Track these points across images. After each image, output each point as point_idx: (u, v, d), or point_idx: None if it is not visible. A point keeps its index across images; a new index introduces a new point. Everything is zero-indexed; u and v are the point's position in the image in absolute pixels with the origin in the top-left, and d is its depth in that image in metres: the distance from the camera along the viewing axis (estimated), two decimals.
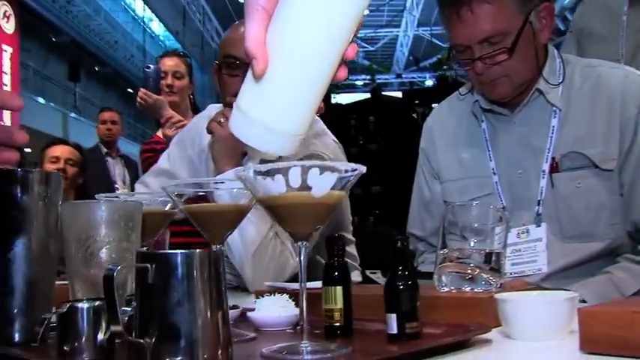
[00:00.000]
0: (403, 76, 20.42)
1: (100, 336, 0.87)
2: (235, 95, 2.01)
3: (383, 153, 6.22)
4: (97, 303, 0.87)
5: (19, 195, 1.04)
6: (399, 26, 19.66)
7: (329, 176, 0.85)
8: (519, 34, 1.65)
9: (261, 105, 0.81)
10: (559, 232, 1.72)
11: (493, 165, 1.82)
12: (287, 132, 0.81)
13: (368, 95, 6.90)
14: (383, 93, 6.59)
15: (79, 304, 0.87)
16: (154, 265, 0.75)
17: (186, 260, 0.76)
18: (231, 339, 0.79)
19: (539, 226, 1.75)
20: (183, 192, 1.10)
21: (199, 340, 0.75)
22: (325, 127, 2.22)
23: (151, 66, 3.42)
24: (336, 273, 1.06)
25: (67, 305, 0.86)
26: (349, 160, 5.79)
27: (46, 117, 13.35)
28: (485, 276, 1.19)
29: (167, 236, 1.56)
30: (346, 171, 0.86)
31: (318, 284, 1.09)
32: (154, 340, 0.74)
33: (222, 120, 1.94)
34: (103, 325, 0.87)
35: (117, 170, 5.35)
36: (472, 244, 1.25)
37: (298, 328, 0.97)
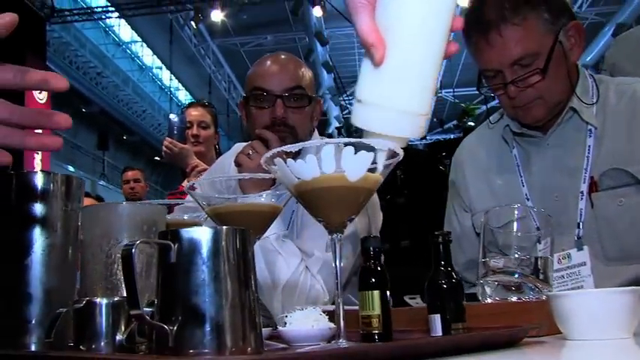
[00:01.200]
0: (428, 137, 20.45)
1: (119, 336, 0.80)
2: (265, 127, 1.97)
3: (411, 207, 6.12)
4: (116, 299, 0.81)
5: (39, 199, 0.99)
6: None
7: (364, 156, 0.79)
8: (550, 54, 1.61)
9: (388, 90, 0.81)
10: (602, 254, 1.64)
11: (526, 190, 1.75)
12: (416, 112, 0.81)
13: None
14: (409, 145, 6.52)
15: (98, 300, 0.80)
16: (177, 243, 0.69)
17: (213, 237, 0.70)
18: (260, 323, 0.72)
19: (581, 249, 1.66)
20: (210, 198, 1.05)
21: (226, 324, 0.68)
22: None
23: (176, 115, 3.42)
24: (373, 276, 0.99)
25: (85, 300, 0.80)
26: None
27: None
28: (532, 285, 1.10)
29: None
30: (383, 150, 0.80)
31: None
32: (177, 325, 0.67)
33: (250, 152, 1.91)
34: (123, 323, 0.80)
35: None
36: (517, 255, 1.17)
37: (333, 342, 0.89)
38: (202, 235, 0.70)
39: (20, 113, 0.86)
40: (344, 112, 20.42)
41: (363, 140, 0.79)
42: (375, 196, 2.11)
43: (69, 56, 14.68)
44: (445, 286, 0.90)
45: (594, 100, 1.71)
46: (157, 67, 18.61)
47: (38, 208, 0.99)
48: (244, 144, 2.23)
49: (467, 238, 1.87)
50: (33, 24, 10.35)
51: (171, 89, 18.50)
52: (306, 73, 2.07)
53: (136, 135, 18.13)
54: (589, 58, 15.09)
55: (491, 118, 1.91)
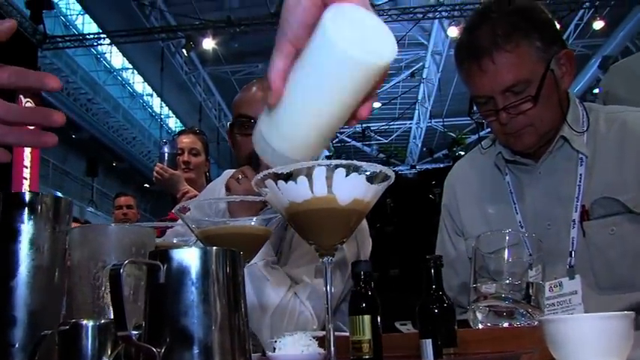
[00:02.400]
0: (417, 167, 20.51)
1: (106, 358, 0.78)
2: (248, 155, 1.98)
3: (400, 235, 6.13)
4: (103, 321, 0.79)
5: (25, 219, 0.97)
6: (411, 118, 19.91)
7: (356, 179, 0.79)
8: (542, 82, 1.61)
9: (270, 128, 0.89)
10: (594, 283, 1.63)
11: (520, 218, 1.75)
12: (289, 157, 0.86)
13: None
14: (399, 174, 6.57)
15: (84, 322, 0.79)
16: (166, 264, 0.68)
17: (202, 258, 0.69)
18: (250, 349, 0.70)
19: (572, 278, 1.65)
20: (199, 221, 1.04)
21: (215, 346, 0.67)
22: None
23: (168, 142, 3.43)
24: (364, 301, 0.98)
25: (70, 323, 0.78)
26: None
27: None
28: (524, 310, 1.09)
29: None
30: (374, 172, 0.80)
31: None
32: (165, 346, 0.66)
33: (240, 177, 1.91)
34: (110, 345, 0.78)
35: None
36: (508, 281, 1.16)
37: None
38: (192, 255, 0.69)
39: (16, 111, 0.86)
40: (334, 141, 20.55)
41: (355, 163, 0.78)
42: (364, 223, 2.10)
43: (60, 82, 14.69)
44: (437, 310, 0.89)
45: (585, 128, 1.72)
46: (147, 95, 18.64)
47: (25, 229, 0.97)
48: (234, 170, 2.23)
49: (461, 262, 1.86)
50: (25, 50, 10.36)
51: (162, 116, 18.49)
52: None
53: (126, 162, 18.07)
54: (576, 89, 15.28)
55: (482, 143, 1.92)
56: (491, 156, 1.85)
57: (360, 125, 19.65)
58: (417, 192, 6.25)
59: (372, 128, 20.05)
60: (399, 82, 17.36)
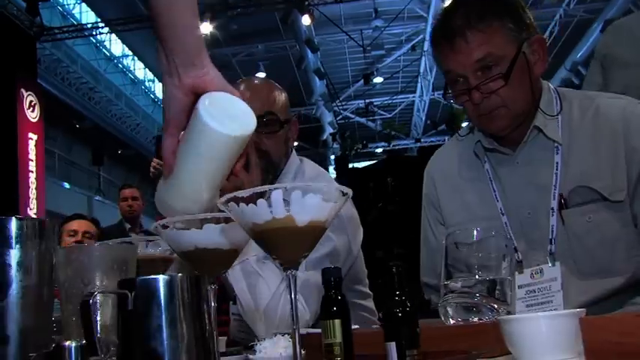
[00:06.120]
0: (422, 140, 20.49)
1: None
2: None
3: (403, 213, 6.18)
4: (84, 341, 0.85)
5: (12, 243, 1.03)
6: (414, 92, 19.84)
7: (312, 200, 0.84)
8: (514, 62, 1.65)
9: (167, 194, 1.15)
10: (575, 269, 1.66)
11: (500, 205, 1.78)
12: (183, 210, 1.12)
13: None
14: (399, 154, 6.62)
15: (67, 343, 0.85)
16: (133, 292, 0.74)
17: (167, 285, 0.75)
18: None
19: (553, 265, 1.69)
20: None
21: None
22: (334, 181, 2.21)
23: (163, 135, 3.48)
24: (334, 306, 1.03)
25: (54, 344, 0.85)
26: (370, 223, 5.71)
27: (71, 201, 13.56)
28: (490, 305, 1.15)
29: None
30: (329, 193, 0.85)
31: None
32: None
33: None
34: None
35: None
36: (477, 277, 1.22)
37: None
38: (157, 283, 0.75)
39: None
40: (337, 118, 20.48)
41: (310, 185, 0.84)
42: (354, 212, 2.15)
43: (60, 73, 14.73)
44: (400, 314, 0.95)
45: (556, 113, 1.74)
46: (149, 80, 18.67)
47: (13, 254, 1.03)
48: None
49: (443, 251, 1.91)
50: (23, 43, 10.38)
51: None
52: (279, 96, 2.12)
53: (131, 149, 18.15)
54: (579, 54, 15.17)
55: (460, 131, 1.95)
56: (470, 145, 1.87)
57: (363, 100, 19.62)
58: (418, 169, 6.28)
59: (375, 103, 20.01)
60: (400, 56, 17.29)
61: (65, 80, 14.91)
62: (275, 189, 0.82)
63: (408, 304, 0.96)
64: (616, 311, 1.62)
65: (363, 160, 17.94)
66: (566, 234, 1.67)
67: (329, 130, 20.08)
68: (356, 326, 1.46)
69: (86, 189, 16.46)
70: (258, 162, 1.96)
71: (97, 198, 16.33)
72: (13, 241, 1.03)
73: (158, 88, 18.46)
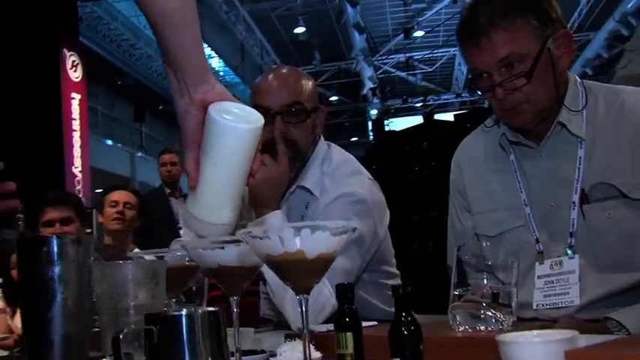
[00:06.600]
0: (463, 95, 20.23)
1: None
2: (264, 144, 2.11)
3: (439, 178, 6.18)
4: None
5: (55, 260, 1.15)
6: (455, 46, 19.50)
7: (320, 235, 0.92)
8: (537, 59, 1.67)
9: (195, 207, 1.22)
10: (594, 262, 1.70)
11: (524, 196, 1.81)
12: (213, 223, 1.21)
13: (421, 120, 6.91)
14: (435, 117, 6.60)
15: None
16: (158, 327, 0.83)
17: (188, 320, 0.84)
18: None
19: (572, 258, 1.74)
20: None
21: None
22: (361, 167, 2.26)
23: None
24: (347, 319, 1.12)
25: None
26: (405, 187, 5.73)
27: (114, 158, 13.92)
28: (494, 314, 1.22)
29: (205, 287, 1.65)
30: (337, 228, 0.93)
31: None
32: None
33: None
34: None
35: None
36: (485, 281, 1.28)
37: None
38: (180, 319, 0.84)
39: None
40: (377, 72, 20.32)
41: (319, 223, 0.92)
42: (380, 197, 2.21)
43: (102, 30, 14.89)
44: (406, 333, 1.03)
45: (580, 108, 1.75)
46: None
47: (56, 270, 1.15)
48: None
49: (467, 237, 1.96)
50: (64, 3, 10.51)
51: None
52: (307, 84, 2.16)
53: (172, 105, 18.32)
54: (630, 4, 14.48)
55: (485, 122, 1.98)
56: (495, 135, 1.90)
57: (403, 55, 19.39)
58: (453, 134, 6.27)
59: (415, 57, 19.76)
60: (441, 10, 16.96)
61: (106, 37, 15.08)
62: (287, 228, 0.90)
63: (413, 324, 1.04)
64: (632, 305, 1.66)
65: (404, 115, 17.87)
66: (586, 228, 1.71)
67: (369, 84, 19.93)
68: (374, 322, 1.56)
69: (129, 145, 16.79)
70: (286, 151, 2.04)
71: (140, 154, 16.65)
72: (55, 257, 1.15)
73: None
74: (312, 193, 2.15)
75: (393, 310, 2.22)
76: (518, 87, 1.69)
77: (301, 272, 0.95)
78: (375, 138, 6.60)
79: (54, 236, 1.16)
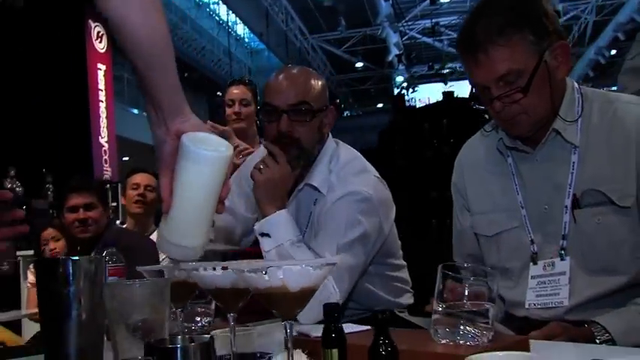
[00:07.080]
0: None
1: None
2: (272, 140, 2.24)
3: (457, 155, 6.23)
4: None
5: (70, 280, 1.27)
6: None
7: (303, 269, 1.02)
8: (533, 74, 1.73)
9: (167, 230, 1.31)
10: (584, 265, 1.78)
11: (520, 199, 1.90)
12: (179, 245, 1.30)
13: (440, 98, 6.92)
14: (455, 96, 6.61)
15: None
16: (155, 356, 0.95)
17: (182, 351, 0.96)
18: None
19: (563, 260, 1.82)
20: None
21: None
22: (367, 164, 2.34)
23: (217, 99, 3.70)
24: (333, 336, 1.22)
25: None
26: (424, 164, 5.77)
27: (139, 126, 14.06)
28: (471, 330, 1.32)
29: None
30: (316, 266, 1.03)
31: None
32: None
33: (261, 167, 2.15)
34: None
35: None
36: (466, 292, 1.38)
37: None
38: (176, 351, 0.96)
39: None
40: (403, 39, 20.18)
41: (298, 262, 1.02)
42: (386, 194, 2.30)
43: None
44: (384, 353, 1.14)
45: (575, 117, 1.82)
46: (213, 3, 18.74)
47: (72, 289, 1.27)
48: (266, 147, 2.44)
49: (467, 235, 2.07)
50: None
51: (229, 24, 18.61)
52: (316, 85, 2.25)
53: (197, 72, 18.51)
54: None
55: (485, 127, 2.06)
56: (494, 140, 1.98)
57: (429, 20, 19.21)
58: (471, 112, 6.29)
59: (441, 23, 19.56)
60: None
61: None
62: (270, 267, 1.01)
63: (390, 345, 1.15)
64: (618, 308, 1.75)
65: (428, 82, 17.72)
66: (577, 232, 1.79)
67: (394, 51, 19.82)
68: (367, 327, 1.66)
69: None
70: (287, 150, 2.15)
71: None
72: (71, 278, 1.27)
73: (223, 11, 18.53)
74: (319, 191, 2.25)
75: (398, 300, 2.34)
76: (515, 100, 1.76)
77: (285, 303, 1.05)
78: (393, 114, 6.61)
79: (70, 258, 1.28)
